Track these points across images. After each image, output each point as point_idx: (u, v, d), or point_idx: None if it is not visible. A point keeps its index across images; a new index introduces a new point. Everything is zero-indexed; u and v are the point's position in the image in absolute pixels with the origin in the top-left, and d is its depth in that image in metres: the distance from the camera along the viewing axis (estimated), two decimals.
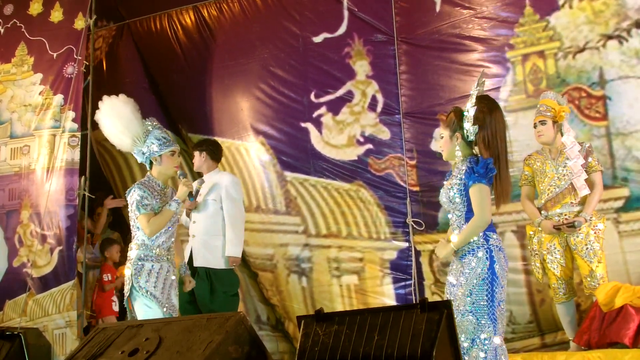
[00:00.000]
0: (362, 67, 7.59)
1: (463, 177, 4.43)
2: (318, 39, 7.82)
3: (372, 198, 7.43)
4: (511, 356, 5.99)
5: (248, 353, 3.53)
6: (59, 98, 8.16)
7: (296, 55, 7.94)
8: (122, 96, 5.77)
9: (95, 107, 8.16)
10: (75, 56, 8.15)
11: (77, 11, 8.32)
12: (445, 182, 4.68)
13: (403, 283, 7.26)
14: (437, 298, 6.97)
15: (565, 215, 5.98)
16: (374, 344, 3.36)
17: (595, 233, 5.91)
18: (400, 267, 7.29)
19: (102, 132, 5.98)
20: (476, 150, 4.48)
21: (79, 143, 7.96)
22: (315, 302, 7.49)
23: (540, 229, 6.08)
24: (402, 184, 7.30)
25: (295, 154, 7.82)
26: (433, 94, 7.21)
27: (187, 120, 8.47)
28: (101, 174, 8.71)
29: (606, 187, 6.29)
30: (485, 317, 4.25)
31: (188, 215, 6.80)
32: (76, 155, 7.94)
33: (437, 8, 7.26)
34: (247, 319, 3.65)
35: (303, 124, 7.74)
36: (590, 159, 6.00)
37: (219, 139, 7.76)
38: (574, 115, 6.56)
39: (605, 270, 5.92)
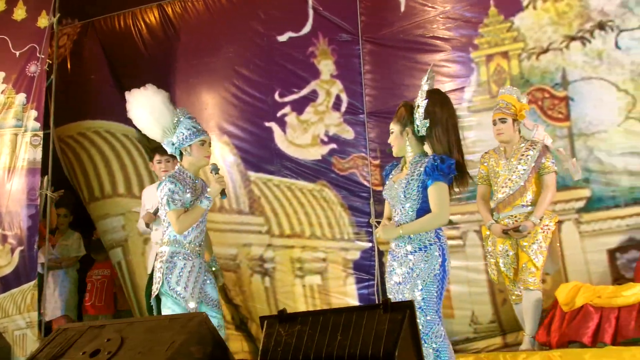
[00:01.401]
0: (326, 66, 7.58)
1: (422, 173, 4.41)
2: (283, 38, 7.81)
3: (336, 198, 7.42)
4: (473, 356, 6.02)
5: (211, 353, 3.50)
6: (21, 97, 8.08)
7: (261, 54, 7.92)
8: (151, 87, 5.56)
9: (58, 106, 8.19)
10: (38, 55, 8.08)
11: (40, 9, 8.26)
12: (391, 177, 4.69)
13: (366, 283, 7.25)
14: None
15: (516, 217, 5.93)
16: (337, 344, 3.34)
17: (544, 232, 5.88)
18: (363, 268, 7.28)
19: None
20: (426, 145, 4.50)
21: (41, 142, 7.88)
22: (278, 303, 7.47)
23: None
24: (365, 183, 7.29)
25: (259, 154, 7.80)
26: (397, 94, 7.19)
27: None
28: (62, 172, 8.61)
29: (568, 187, 6.36)
30: (433, 313, 4.30)
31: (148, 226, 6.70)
32: (38, 154, 7.87)
33: (402, 8, 7.26)
34: (209, 319, 3.62)
35: (267, 124, 7.71)
36: (544, 160, 5.98)
37: None
38: (537, 115, 6.60)
39: (539, 269, 5.87)
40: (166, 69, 8.36)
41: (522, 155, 5.97)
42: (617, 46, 6.46)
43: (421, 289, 4.31)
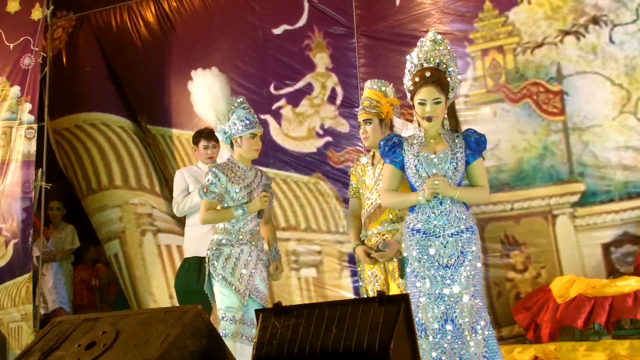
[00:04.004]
0: (322, 59, 7.59)
1: (465, 148, 4.20)
2: (278, 30, 7.82)
3: (331, 191, 7.44)
4: None
5: (205, 346, 3.49)
6: (15, 90, 8.05)
7: (256, 47, 7.93)
8: (214, 69, 5.36)
9: (53, 99, 8.18)
10: (32, 47, 8.05)
11: (34, 2, 8.21)
12: (418, 149, 4.24)
13: None
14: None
15: (383, 234, 4.92)
16: (332, 336, 3.34)
17: None
18: None
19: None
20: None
21: (36, 135, 7.86)
22: (273, 296, 7.44)
23: None
24: None
25: None
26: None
27: (147, 111, 8.44)
28: (57, 165, 8.60)
29: (562, 181, 6.37)
30: (482, 299, 4.12)
31: None
32: (32, 147, 7.84)
33: (397, 2, 7.27)
34: (204, 312, 3.62)
35: (262, 116, 7.66)
36: None
37: (178, 131, 7.75)
38: (532, 110, 6.62)
39: None
40: (161, 62, 8.38)
41: None
42: (611, 41, 6.50)
43: (472, 275, 4.05)
